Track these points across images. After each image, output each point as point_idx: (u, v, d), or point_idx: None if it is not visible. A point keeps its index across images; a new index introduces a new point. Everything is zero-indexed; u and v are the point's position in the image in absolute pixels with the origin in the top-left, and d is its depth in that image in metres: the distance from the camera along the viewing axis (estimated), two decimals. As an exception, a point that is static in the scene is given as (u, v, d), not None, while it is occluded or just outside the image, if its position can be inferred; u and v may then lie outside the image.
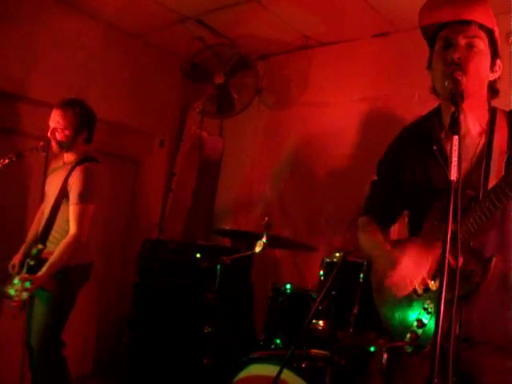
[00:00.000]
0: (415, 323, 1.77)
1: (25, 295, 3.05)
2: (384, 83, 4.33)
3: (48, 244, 3.34)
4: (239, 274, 4.24)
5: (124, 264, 4.91)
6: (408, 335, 1.78)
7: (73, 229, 3.29)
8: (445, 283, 1.33)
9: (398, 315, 1.86)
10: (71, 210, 3.33)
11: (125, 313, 4.54)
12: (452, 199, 1.38)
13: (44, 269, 3.17)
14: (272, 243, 3.36)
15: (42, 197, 3.62)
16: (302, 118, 4.83)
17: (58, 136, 3.41)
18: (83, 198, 3.33)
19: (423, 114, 2.08)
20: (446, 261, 1.34)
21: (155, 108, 5.18)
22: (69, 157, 3.52)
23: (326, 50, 4.85)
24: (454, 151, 1.41)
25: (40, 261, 3.25)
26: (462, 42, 1.78)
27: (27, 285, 3.05)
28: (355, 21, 4.31)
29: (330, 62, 4.81)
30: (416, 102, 3.87)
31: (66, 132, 3.43)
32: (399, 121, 3.96)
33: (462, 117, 1.85)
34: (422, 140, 1.95)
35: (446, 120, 1.90)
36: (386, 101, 4.26)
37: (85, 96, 3.74)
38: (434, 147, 1.86)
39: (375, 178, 2.19)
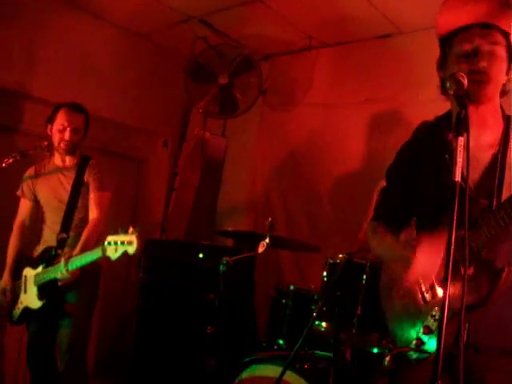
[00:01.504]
0: (421, 330, 1.76)
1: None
2: (387, 84, 4.33)
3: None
4: (242, 274, 4.23)
5: (127, 264, 4.91)
6: (414, 342, 1.77)
7: (97, 213, 3.41)
8: (448, 291, 1.32)
9: (405, 321, 1.85)
10: (94, 196, 3.44)
11: (127, 313, 4.54)
12: (456, 201, 1.37)
13: (77, 250, 3.23)
14: (275, 244, 3.36)
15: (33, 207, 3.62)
16: (305, 118, 4.82)
17: (74, 137, 3.45)
18: (102, 186, 3.47)
19: (427, 115, 2.05)
20: (450, 266, 1.34)
21: (158, 108, 5.18)
22: (69, 159, 3.54)
23: (330, 51, 4.85)
24: (458, 152, 1.40)
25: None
26: (486, 48, 1.75)
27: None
28: (359, 22, 4.31)
29: (334, 62, 4.81)
30: (420, 103, 3.86)
31: (81, 135, 3.51)
32: (403, 122, 3.97)
33: (484, 124, 1.84)
34: (434, 146, 1.92)
35: None
36: (390, 102, 4.25)
37: (88, 95, 3.75)
38: (446, 156, 1.83)
39: (385, 184, 2.16)
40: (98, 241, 3.20)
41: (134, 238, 2.88)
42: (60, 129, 3.42)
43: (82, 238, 3.32)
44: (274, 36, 4.78)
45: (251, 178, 5.15)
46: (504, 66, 1.80)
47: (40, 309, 3.27)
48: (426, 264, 1.76)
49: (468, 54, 1.77)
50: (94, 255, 3.03)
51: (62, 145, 3.44)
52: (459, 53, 1.80)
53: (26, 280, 3.36)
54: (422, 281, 1.78)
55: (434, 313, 1.75)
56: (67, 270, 3.10)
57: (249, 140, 5.27)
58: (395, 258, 1.91)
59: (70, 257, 3.15)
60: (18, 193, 3.61)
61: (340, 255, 3.10)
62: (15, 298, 3.39)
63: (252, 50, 4.84)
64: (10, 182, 3.61)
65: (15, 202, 3.63)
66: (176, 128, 5.53)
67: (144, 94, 5.03)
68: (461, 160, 1.39)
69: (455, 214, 1.37)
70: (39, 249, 3.48)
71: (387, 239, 2.01)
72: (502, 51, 1.78)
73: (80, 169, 3.47)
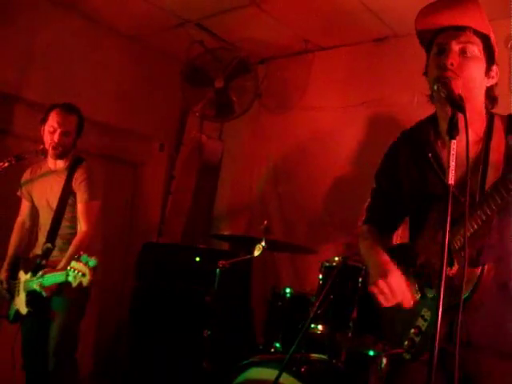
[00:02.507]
0: (412, 330, 1.77)
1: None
2: (383, 88, 4.34)
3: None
4: (238, 277, 4.23)
5: (124, 267, 4.91)
6: (406, 342, 1.78)
7: (84, 226, 3.33)
8: (442, 290, 1.33)
9: (398, 322, 1.86)
10: (81, 208, 3.36)
11: (124, 316, 4.53)
12: (450, 203, 1.38)
13: (62, 263, 3.17)
14: (271, 247, 3.36)
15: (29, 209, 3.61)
16: (301, 121, 4.83)
17: (64, 140, 3.38)
18: (91, 195, 3.38)
19: (422, 118, 2.07)
20: (445, 268, 1.34)
21: (155, 112, 5.18)
22: (59, 163, 3.47)
23: (326, 54, 4.86)
24: (451, 155, 1.41)
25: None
26: (456, 47, 1.78)
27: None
28: (355, 25, 4.32)
29: (330, 66, 4.82)
30: (415, 106, 3.86)
31: (72, 137, 3.44)
32: (398, 125, 3.95)
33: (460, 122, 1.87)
34: (418, 147, 1.95)
35: (443, 126, 1.89)
36: (386, 105, 4.26)
37: (83, 99, 3.74)
38: (429, 155, 1.85)
39: (375, 186, 2.19)
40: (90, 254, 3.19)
41: (87, 271, 2.89)
42: (50, 131, 3.35)
43: (68, 252, 3.24)
44: (270, 39, 4.79)
45: (248, 181, 5.16)
46: (479, 65, 1.81)
47: (27, 314, 3.28)
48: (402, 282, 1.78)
49: (439, 53, 1.81)
50: (59, 277, 3.04)
51: (51, 148, 3.37)
52: (433, 54, 1.84)
53: (19, 283, 3.37)
54: (397, 292, 1.78)
55: (423, 313, 1.76)
56: (42, 287, 3.11)
57: (245, 143, 5.27)
58: (376, 267, 1.89)
59: (45, 273, 3.13)
60: (18, 193, 3.61)
61: (336, 258, 3.12)
62: (11, 296, 3.39)
63: (248, 53, 4.85)
64: (9, 184, 3.61)
65: (15, 204, 3.64)
66: (172, 132, 5.53)
67: (140, 98, 5.03)
68: (454, 163, 1.40)
69: (449, 216, 1.37)
70: (35, 251, 3.47)
71: (373, 248, 2.01)
72: (475, 51, 1.79)
73: (69, 174, 3.39)
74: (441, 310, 1.36)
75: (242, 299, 4.41)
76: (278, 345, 3.28)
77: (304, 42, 4.76)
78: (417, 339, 1.76)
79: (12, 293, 3.40)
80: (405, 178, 1.99)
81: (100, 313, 4.15)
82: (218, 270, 3.44)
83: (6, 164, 3.32)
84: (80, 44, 4.62)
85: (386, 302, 1.74)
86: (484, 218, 1.64)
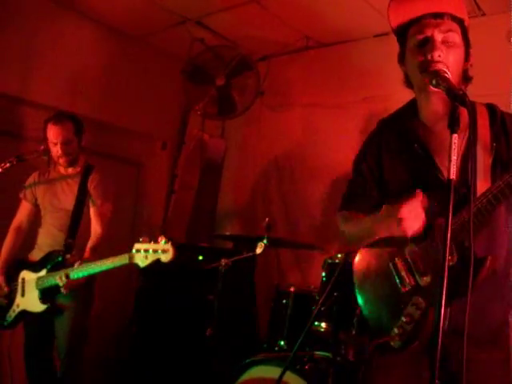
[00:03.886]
0: (404, 319, 1.75)
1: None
2: (385, 83, 4.30)
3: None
4: (242, 275, 4.23)
5: (127, 267, 4.90)
6: (396, 330, 1.75)
7: (99, 228, 3.42)
8: (446, 281, 1.32)
9: (383, 310, 1.84)
10: (96, 210, 3.45)
11: (127, 314, 4.53)
12: (452, 197, 1.37)
13: (78, 263, 3.18)
14: (274, 244, 3.36)
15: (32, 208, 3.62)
16: (303, 118, 4.82)
17: (68, 149, 3.43)
18: (105, 198, 3.48)
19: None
20: (447, 257, 1.33)
21: (157, 110, 5.17)
22: (72, 169, 3.54)
23: (327, 51, 4.85)
24: (453, 150, 1.40)
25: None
26: (438, 37, 1.75)
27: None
28: (356, 21, 4.31)
29: (331, 62, 4.81)
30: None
31: (74, 143, 3.48)
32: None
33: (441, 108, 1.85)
34: (401, 135, 1.94)
35: (423, 113, 1.90)
36: (388, 101, 4.23)
37: (86, 99, 3.74)
38: (415, 145, 1.85)
39: (353, 174, 2.15)
40: (99, 256, 3.24)
41: (169, 247, 2.85)
42: (52, 144, 3.42)
43: (86, 253, 3.33)
44: (271, 37, 4.78)
45: (250, 179, 5.15)
46: (461, 52, 1.80)
47: (40, 312, 3.26)
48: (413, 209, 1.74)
49: (422, 45, 1.77)
50: (116, 263, 3.03)
51: (60, 160, 3.46)
52: (414, 45, 1.80)
53: (23, 283, 3.35)
54: (399, 262, 1.78)
55: (415, 301, 1.74)
56: (68, 278, 3.12)
57: (247, 141, 5.27)
58: (380, 220, 1.84)
59: (73, 267, 3.15)
60: (21, 195, 3.61)
61: (339, 255, 3.10)
62: (10, 300, 3.38)
63: (249, 50, 4.85)
64: (9, 185, 3.60)
65: (13, 206, 3.63)
66: (174, 130, 5.52)
67: (142, 97, 5.02)
68: (455, 157, 1.39)
69: (450, 211, 1.36)
70: (34, 253, 3.48)
71: (363, 218, 1.97)
72: (456, 38, 1.78)
73: (83, 178, 3.48)
74: (444, 300, 1.35)
75: (245, 297, 4.40)
76: (281, 343, 3.27)
77: (305, 38, 4.75)
78: (408, 327, 1.73)
79: (11, 297, 3.38)
80: (387, 167, 1.97)
81: (103, 312, 4.13)
82: (221, 268, 3.43)
83: (8, 165, 3.33)
84: (82, 44, 4.62)
85: (416, 225, 1.71)
86: (490, 210, 1.62)
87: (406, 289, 1.79)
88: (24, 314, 3.33)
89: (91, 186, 3.47)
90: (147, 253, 2.87)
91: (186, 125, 5.53)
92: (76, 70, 4.57)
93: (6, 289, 3.38)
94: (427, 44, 1.75)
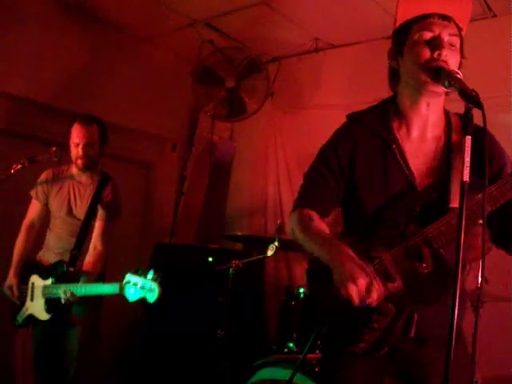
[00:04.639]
0: (372, 325, 1.69)
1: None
2: (395, 85, 4.30)
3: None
4: (252, 277, 4.22)
5: (136, 267, 4.91)
6: (364, 337, 1.70)
7: (101, 246, 3.34)
8: (458, 286, 1.31)
9: (349, 319, 1.74)
10: (101, 225, 3.37)
11: (136, 316, 4.53)
12: (463, 201, 1.36)
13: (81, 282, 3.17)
14: (285, 246, 3.35)
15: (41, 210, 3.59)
16: (313, 120, 4.81)
17: (89, 151, 3.39)
18: (113, 216, 3.42)
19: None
20: (460, 262, 1.32)
21: (166, 112, 5.18)
22: (87, 175, 3.48)
23: (337, 52, 4.84)
24: (466, 151, 1.39)
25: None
26: (446, 38, 1.75)
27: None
28: (366, 23, 4.30)
29: (341, 64, 4.80)
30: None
31: (96, 148, 3.43)
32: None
33: (432, 117, 1.85)
34: (376, 135, 1.89)
35: (407, 113, 1.87)
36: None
37: (95, 100, 3.75)
38: (393, 146, 1.83)
39: (316, 163, 2.01)
40: (100, 273, 3.28)
41: (155, 287, 2.82)
42: (74, 144, 3.38)
43: (88, 271, 3.25)
44: (281, 38, 4.78)
45: (260, 181, 5.14)
46: (459, 58, 1.80)
47: (47, 320, 3.25)
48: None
49: (429, 42, 1.76)
50: (109, 289, 2.99)
51: (78, 161, 3.39)
52: (419, 40, 1.77)
53: (33, 288, 3.33)
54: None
55: (383, 307, 1.68)
56: (72, 295, 3.07)
57: (257, 143, 5.26)
58: (331, 261, 1.70)
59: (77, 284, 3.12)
60: (32, 193, 3.56)
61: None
62: (21, 301, 3.37)
63: (259, 52, 4.84)
64: (21, 186, 3.62)
65: (24, 206, 3.64)
66: (184, 132, 5.54)
67: (152, 99, 5.03)
68: (468, 160, 1.37)
69: (464, 211, 1.35)
70: (41, 254, 3.47)
71: (318, 236, 1.83)
72: (458, 43, 1.78)
73: (98, 190, 3.41)
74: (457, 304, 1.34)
75: (255, 299, 4.40)
76: (291, 345, 3.27)
77: (315, 40, 4.75)
78: (375, 334, 1.69)
79: (23, 298, 3.36)
80: (359, 163, 1.89)
81: (112, 314, 4.14)
82: (231, 270, 3.43)
83: (19, 166, 3.31)
84: (91, 46, 4.65)
85: (360, 302, 1.60)
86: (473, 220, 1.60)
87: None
88: (32, 318, 3.30)
89: (105, 199, 3.40)
90: (135, 287, 2.84)
91: (196, 126, 5.55)
92: (85, 72, 4.59)
93: (15, 294, 3.35)
94: (435, 42, 1.74)
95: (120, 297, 2.84)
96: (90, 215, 3.38)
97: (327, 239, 1.81)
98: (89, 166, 3.43)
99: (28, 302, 3.33)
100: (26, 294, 3.35)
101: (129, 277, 2.86)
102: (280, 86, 5.07)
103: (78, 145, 3.37)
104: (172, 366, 4.08)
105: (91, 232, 3.40)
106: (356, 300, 1.58)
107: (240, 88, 4.77)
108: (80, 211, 3.42)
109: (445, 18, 1.77)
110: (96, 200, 3.39)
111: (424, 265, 1.68)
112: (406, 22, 1.83)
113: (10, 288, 3.38)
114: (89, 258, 3.31)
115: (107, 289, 3.00)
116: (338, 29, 4.52)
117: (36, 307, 3.29)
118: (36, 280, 3.34)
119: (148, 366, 4.22)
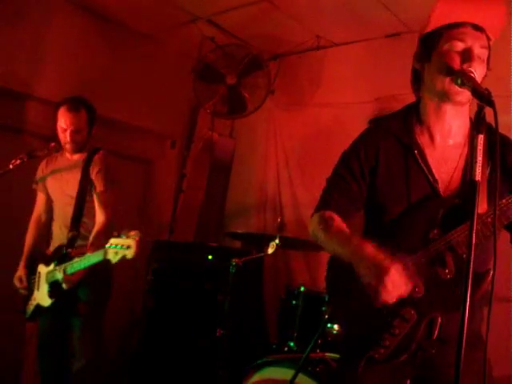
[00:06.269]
0: (392, 330, 1.69)
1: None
2: (397, 83, 4.26)
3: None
4: (251, 275, 4.21)
5: (135, 265, 4.89)
6: (383, 343, 1.69)
7: (102, 216, 3.33)
8: (469, 288, 1.30)
9: (369, 323, 1.75)
10: (99, 197, 3.36)
11: (135, 314, 4.52)
12: (476, 201, 1.34)
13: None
14: (285, 244, 3.34)
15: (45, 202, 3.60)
16: (314, 118, 4.80)
17: (77, 138, 3.38)
18: (107, 185, 3.38)
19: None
20: (471, 264, 1.31)
21: (166, 109, 5.15)
22: (76, 155, 3.48)
23: (338, 50, 4.82)
24: (478, 150, 1.37)
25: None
26: (477, 51, 1.73)
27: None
28: (368, 21, 4.28)
29: (343, 62, 4.78)
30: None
31: (84, 133, 3.42)
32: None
33: (456, 125, 1.84)
34: (399, 140, 1.89)
35: (429, 120, 1.86)
36: (399, 101, 4.18)
37: (94, 96, 3.71)
38: (415, 151, 1.82)
39: (340, 167, 2.03)
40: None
41: (132, 243, 2.83)
42: (62, 129, 3.37)
43: (90, 241, 3.26)
44: (282, 36, 4.76)
45: (260, 179, 5.13)
46: (485, 71, 1.79)
47: (50, 307, 3.25)
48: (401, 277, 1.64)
49: (459, 53, 1.74)
50: (95, 258, 2.99)
51: (67, 146, 3.40)
52: (450, 49, 1.75)
53: (39, 277, 3.36)
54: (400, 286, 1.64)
55: (404, 313, 1.69)
56: (66, 275, 3.10)
57: (257, 140, 5.24)
58: (371, 264, 1.68)
59: (73, 258, 3.14)
60: (34, 186, 3.59)
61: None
62: (30, 292, 3.38)
63: (260, 49, 4.82)
64: (22, 181, 3.60)
65: (29, 201, 3.63)
66: (184, 129, 5.51)
67: (151, 95, 5.00)
68: (480, 159, 1.36)
69: (475, 212, 1.33)
70: (51, 247, 3.47)
71: (350, 239, 1.81)
72: (486, 57, 1.77)
73: (86, 165, 3.39)
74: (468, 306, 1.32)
75: (254, 297, 4.39)
76: (291, 344, 3.25)
77: (316, 37, 4.72)
78: (396, 340, 1.69)
79: (31, 289, 3.39)
80: (383, 175, 1.89)
81: (111, 312, 4.13)
82: (231, 268, 3.41)
83: (18, 161, 3.30)
84: (91, 41, 4.61)
85: (390, 298, 1.61)
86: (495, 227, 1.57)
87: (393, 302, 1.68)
88: (39, 308, 3.32)
89: (93, 171, 3.37)
90: (117, 248, 2.85)
91: (196, 123, 5.52)
92: (84, 67, 4.54)
93: (24, 284, 3.38)
94: (466, 54, 1.73)
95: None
96: (81, 192, 3.36)
97: (350, 237, 1.82)
98: (78, 149, 3.43)
99: (35, 292, 3.36)
100: (33, 286, 3.37)
101: (111, 240, 2.89)
102: (281, 83, 5.05)
103: (65, 130, 3.35)
104: (171, 364, 4.07)
105: (90, 209, 3.38)
106: (389, 288, 1.58)
107: (241, 85, 4.75)
108: (73, 190, 3.40)
109: (477, 28, 1.74)
110: (85, 174, 3.37)
111: (447, 270, 1.67)
112: (437, 28, 1.80)
113: (19, 279, 3.41)
114: (91, 235, 3.31)
115: (94, 258, 3.01)
116: (340, 27, 4.50)
117: (41, 294, 3.31)
118: (41, 268, 3.37)
119: (148, 365, 4.20)
